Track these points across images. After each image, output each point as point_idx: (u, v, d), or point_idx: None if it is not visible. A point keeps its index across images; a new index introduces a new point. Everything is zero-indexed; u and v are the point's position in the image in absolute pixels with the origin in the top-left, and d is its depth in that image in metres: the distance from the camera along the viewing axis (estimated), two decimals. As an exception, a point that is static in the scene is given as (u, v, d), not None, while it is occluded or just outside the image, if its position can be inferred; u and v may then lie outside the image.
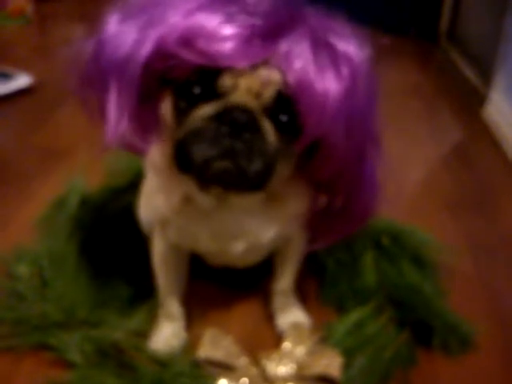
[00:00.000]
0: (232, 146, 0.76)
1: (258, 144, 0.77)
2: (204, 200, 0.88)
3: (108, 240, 1.26)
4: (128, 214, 1.21)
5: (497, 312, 1.23)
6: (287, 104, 0.77)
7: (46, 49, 2.85)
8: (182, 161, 0.79)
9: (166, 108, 0.83)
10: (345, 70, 0.76)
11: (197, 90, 0.79)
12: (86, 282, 1.16)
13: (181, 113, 0.80)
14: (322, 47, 0.75)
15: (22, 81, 2.22)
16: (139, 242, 1.17)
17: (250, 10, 0.76)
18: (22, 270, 1.17)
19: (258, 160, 0.77)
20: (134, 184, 1.26)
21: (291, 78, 0.75)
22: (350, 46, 0.77)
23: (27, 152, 1.81)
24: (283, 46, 0.75)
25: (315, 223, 1.01)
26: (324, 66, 0.75)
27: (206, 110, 0.78)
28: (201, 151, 0.76)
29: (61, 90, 2.13)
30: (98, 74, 0.82)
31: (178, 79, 0.80)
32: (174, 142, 0.80)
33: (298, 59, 0.74)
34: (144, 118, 0.87)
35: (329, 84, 0.74)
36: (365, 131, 0.83)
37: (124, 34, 0.78)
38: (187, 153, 0.77)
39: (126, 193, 1.34)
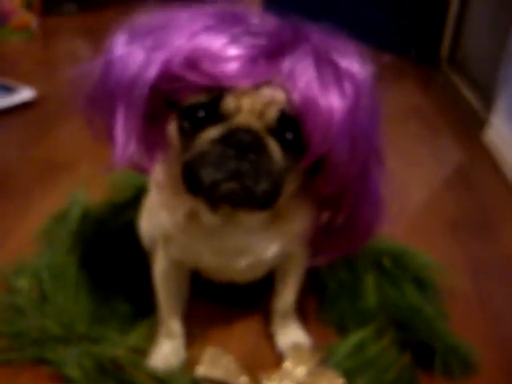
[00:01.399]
0: (238, 168, 0.76)
1: (263, 164, 0.77)
2: (209, 218, 0.89)
3: (109, 255, 1.25)
4: (129, 229, 1.21)
5: (496, 334, 1.22)
6: (292, 123, 0.77)
7: (50, 63, 2.86)
8: (191, 183, 0.79)
9: (172, 130, 0.84)
10: (348, 87, 0.77)
11: (201, 114, 0.79)
12: (86, 297, 1.15)
13: (186, 136, 0.81)
14: (325, 65, 0.76)
15: (24, 94, 2.23)
16: (140, 258, 1.16)
17: (253, 31, 0.77)
18: (22, 283, 1.16)
19: (264, 180, 0.77)
20: (136, 200, 1.26)
21: (295, 96, 0.75)
22: (353, 64, 0.78)
23: (28, 165, 1.81)
24: (287, 64, 0.75)
25: (317, 239, 1.01)
26: (328, 84, 0.75)
27: (211, 133, 0.78)
28: (208, 174, 0.77)
29: (63, 104, 2.13)
30: (104, 95, 0.82)
31: (183, 102, 0.80)
32: (182, 165, 0.80)
33: (302, 77, 0.75)
34: (150, 139, 0.88)
35: (333, 101, 0.75)
36: (368, 147, 0.83)
37: (131, 56, 0.79)
38: (195, 175, 0.78)
39: (128, 208, 1.33)
